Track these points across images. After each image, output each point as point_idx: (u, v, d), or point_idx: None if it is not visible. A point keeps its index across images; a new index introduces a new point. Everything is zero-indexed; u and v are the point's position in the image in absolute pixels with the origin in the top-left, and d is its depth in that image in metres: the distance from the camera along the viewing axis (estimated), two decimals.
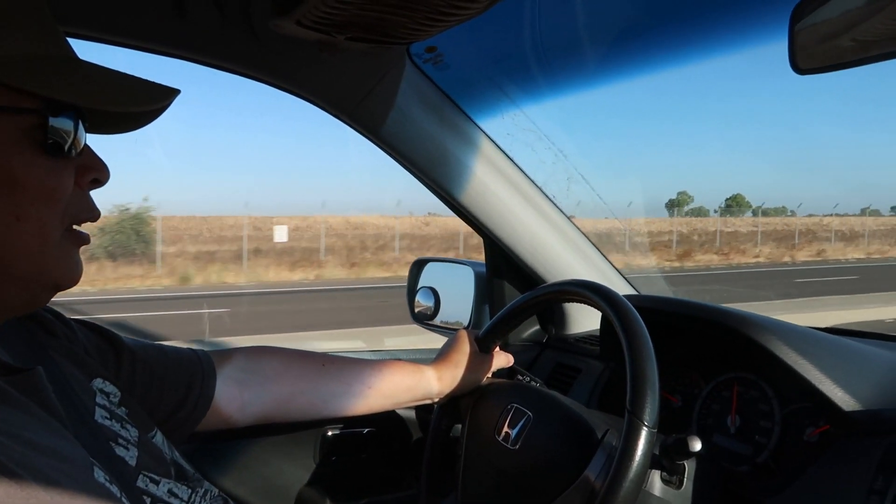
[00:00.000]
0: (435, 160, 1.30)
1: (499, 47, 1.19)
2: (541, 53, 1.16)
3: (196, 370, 0.94)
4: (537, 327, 1.59)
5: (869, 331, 1.23)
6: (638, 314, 0.91)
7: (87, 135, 0.63)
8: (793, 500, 0.92)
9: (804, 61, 0.70)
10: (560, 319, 1.54)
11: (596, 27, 1.14)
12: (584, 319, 1.54)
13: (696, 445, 0.83)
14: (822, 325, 1.21)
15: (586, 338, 1.49)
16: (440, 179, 1.32)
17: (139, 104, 0.61)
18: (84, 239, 0.64)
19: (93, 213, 0.65)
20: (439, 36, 1.02)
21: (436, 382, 1.11)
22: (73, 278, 0.63)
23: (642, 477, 0.79)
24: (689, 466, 0.89)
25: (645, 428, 0.79)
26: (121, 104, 0.60)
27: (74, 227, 0.63)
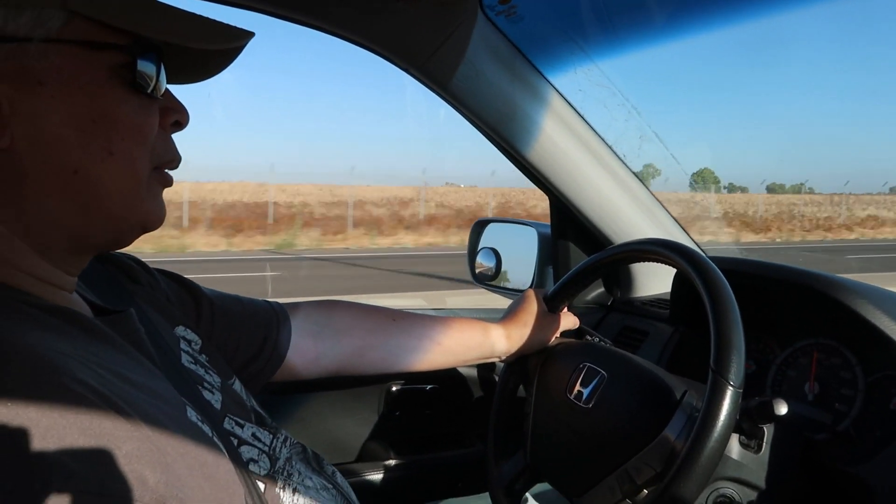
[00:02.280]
0: (504, 116, 1.26)
1: None
2: (620, 2, 1.11)
3: (272, 321, 0.95)
4: (602, 290, 1.57)
5: None
6: (721, 273, 0.88)
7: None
8: (880, 469, 0.89)
9: None
10: (626, 282, 1.51)
11: None
12: (650, 283, 1.51)
13: (783, 409, 0.80)
14: None
15: (654, 301, 1.45)
16: (509, 136, 1.29)
17: (218, 42, 0.61)
18: (169, 181, 0.65)
19: (175, 158, 0.65)
20: None
21: (503, 341, 1.11)
22: (159, 218, 0.63)
23: (727, 437, 0.76)
24: (767, 431, 0.87)
25: (731, 387, 0.77)
26: (202, 40, 0.60)
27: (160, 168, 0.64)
